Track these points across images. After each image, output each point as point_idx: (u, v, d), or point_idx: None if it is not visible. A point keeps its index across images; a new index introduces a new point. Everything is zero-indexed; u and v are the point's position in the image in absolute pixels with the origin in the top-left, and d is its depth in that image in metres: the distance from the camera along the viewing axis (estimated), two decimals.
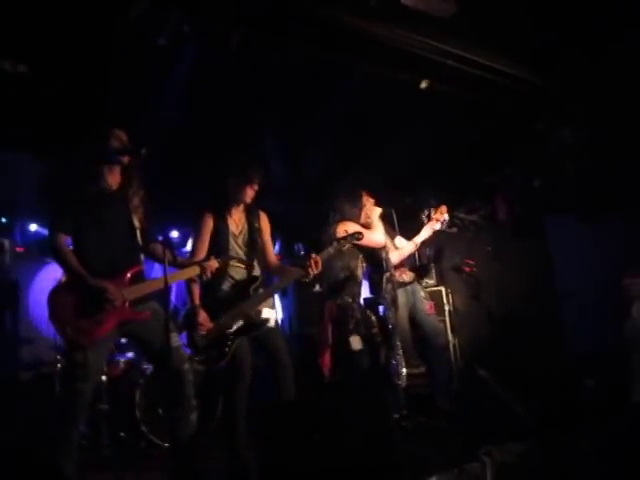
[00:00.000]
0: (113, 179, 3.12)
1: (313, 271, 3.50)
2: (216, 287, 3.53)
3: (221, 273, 3.45)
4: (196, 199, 4.06)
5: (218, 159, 3.98)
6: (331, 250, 3.73)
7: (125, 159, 3.08)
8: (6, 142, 4.67)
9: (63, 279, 3.54)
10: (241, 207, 3.68)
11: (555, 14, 4.07)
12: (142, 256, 3.20)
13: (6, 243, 5.36)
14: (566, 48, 4.39)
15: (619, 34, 4.23)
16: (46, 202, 3.08)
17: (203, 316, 3.39)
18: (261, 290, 3.59)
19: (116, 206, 3.09)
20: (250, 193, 3.62)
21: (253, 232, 3.67)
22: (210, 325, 3.40)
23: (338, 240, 3.80)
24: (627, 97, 4.63)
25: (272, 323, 3.59)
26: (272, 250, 3.82)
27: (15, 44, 3.59)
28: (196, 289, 3.50)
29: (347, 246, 3.91)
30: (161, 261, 2.97)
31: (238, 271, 3.58)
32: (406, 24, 3.92)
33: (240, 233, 3.67)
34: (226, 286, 3.55)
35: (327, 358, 4.30)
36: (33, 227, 5.77)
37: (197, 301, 3.48)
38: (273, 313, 3.63)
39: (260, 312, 3.54)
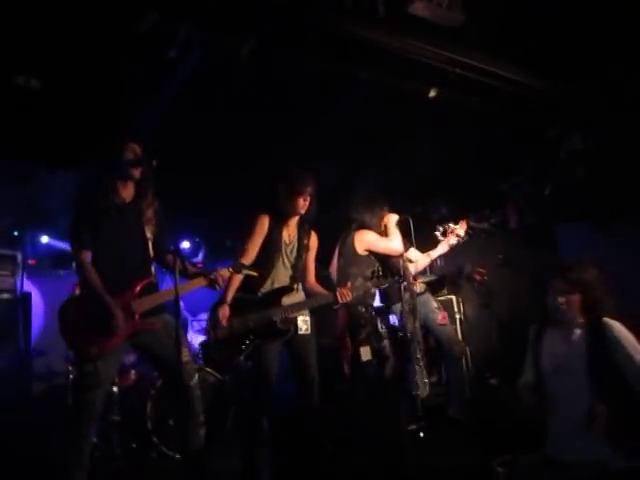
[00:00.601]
0: (126, 192, 3.16)
1: (343, 301, 3.58)
2: (253, 289, 3.57)
3: (266, 278, 3.56)
4: (243, 202, 4.07)
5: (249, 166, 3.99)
6: (369, 285, 3.76)
7: (137, 173, 3.11)
8: (21, 155, 4.72)
9: (76, 292, 3.58)
10: (296, 219, 3.71)
11: (566, 21, 4.07)
12: (153, 268, 3.22)
13: (18, 255, 5.39)
14: (576, 54, 4.38)
15: (630, 40, 4.22)
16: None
17: (223, 313, 3.44)
18: (293, 302, 3.61)
19: (129, 219, 3.13)
20: (302, 204, 3.63)
21: (301, 247, 3.72)
22: (227, 321, 3.44)
23: (379, 278, 3.80)
24: (638, 103, 4.61)
25: (306, 332, 3.62)
26: (313, 270, 3.86)
27: (28, 60, 3.64)
28: (234, 285, 3.53)
29: (385, 285, 3.94)
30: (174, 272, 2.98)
31: (281, 280, 3.63)
32: (414, 33, 3.93)
33: (290, 243, 3.71)
34: (263, 291, 3.59)
35: (346, 366, 4.31)
36: (44, 239, 5.79)
37: (228, 298, 3.51)
38: (308, 322, 3.66)
39: (293, 320, 3.57)
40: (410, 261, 4.75)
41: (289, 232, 3.71)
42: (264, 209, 3.67)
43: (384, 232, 4.55)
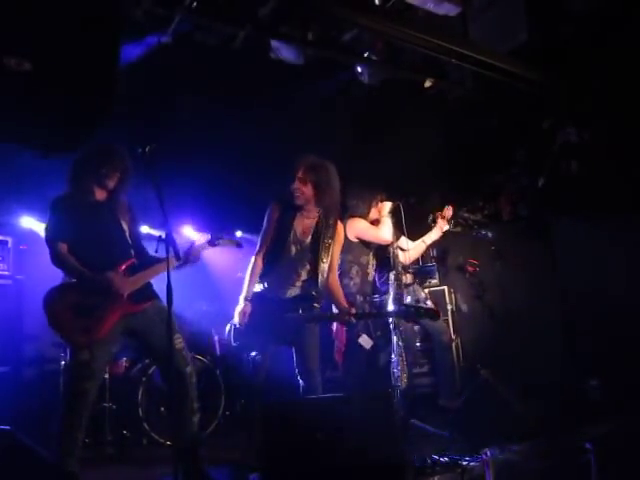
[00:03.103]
0: (100, 194, 3.25)
1: (348, 322, 3.44)
2: (270, 284, 3.44)
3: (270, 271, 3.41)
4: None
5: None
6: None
7: (112, 184, 3.21)
8: (12, 139, 4.67)
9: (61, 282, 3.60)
10: (314, 211, 3.46)
11: (561, 14, 4.06)
12: (132, 251, 3.26)
13: (9, 240, 5.36)
14: (572, 47, 4.38)
15: (626, 35, 4.22)
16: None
17: (243, 313, 3.32)
18: (305, 314, 3.37)
19: (105, 213, 3.23)
20: (294, 190, 3.38)
21: (319, 243, 3.42)
22: (245, 321, 3.31)
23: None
24: (632, 96, 4.61)
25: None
26: (335, 268, 3.56)
27: (20, 42, 3.59)
28: (254, 277, 3.40)
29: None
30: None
31: (284, 273, 3.40)
32: (410, 22, 3.92)
33: (304, 236, 3.45)
34: (266, 285, 3.43)
35: (340, 355, 4.30)
36: (27, 222, 5.61)
37: (249, 293, 3.38)
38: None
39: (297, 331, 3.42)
40: (402, 249, 4.74)
41: (303, 225, 3.45)
42: (276, 198, 3.49)
43: (376, 221, 4.54)
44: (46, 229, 3.18)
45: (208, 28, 3.57)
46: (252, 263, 3.44)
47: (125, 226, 3.27)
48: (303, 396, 3.31)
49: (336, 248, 3.51)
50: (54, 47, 3.62)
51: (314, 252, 3.41)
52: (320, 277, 3.40)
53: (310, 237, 3.44)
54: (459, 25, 4.02)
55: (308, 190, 3.39)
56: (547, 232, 5.60)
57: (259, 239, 3.51)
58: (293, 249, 3.42)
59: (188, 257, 3.19)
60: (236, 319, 3.32)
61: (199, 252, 3.24)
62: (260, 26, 3.62)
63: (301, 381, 3.36)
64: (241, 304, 3.34)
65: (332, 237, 3.47)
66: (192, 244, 3.23)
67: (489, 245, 5.72)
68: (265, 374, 3.38)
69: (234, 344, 3.35)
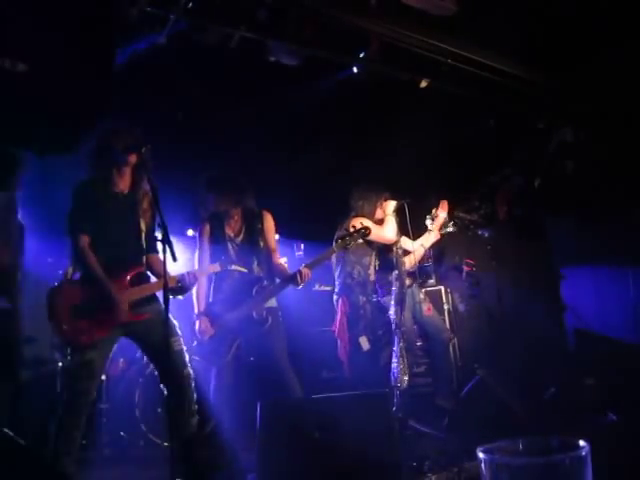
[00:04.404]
0: (123, 183, 3.15)
1: (301, 282, 3.57)
2: (220, 288, 3.64)
3: (223, 275, 3.59)
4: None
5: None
6: (335, 249, 3.78)
7: (132, 158, 3.05)
8: (9, 139, 4.65)
9: (66, 277, 3.57)
10: (236, 211, 3.74)
11: (557, 14, 4.07)
12: (144, 259, 3.21)
13: None
14: (567, 47, 4.39)
15: (620, 35, 4.23)
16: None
17: (204, 325, 3.53)
18: (263, 291, 3.63)
19: (124, 210, 3.13)
20: (213, 203, 3.70)
21: (253, 234, 3.73)
22: (211, 332, 3.53)
23: (342, 237, 3.82)
24: (627, 97, 4.63)
25: (271, 322, 3.62)
26: (276, 250, 3.84)
27: (14, 42, 3.58)
28: (202, 293, 3.61)
29: (352, 244, 3.91)
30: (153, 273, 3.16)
31: (242, 273, 3.63)
32: (406, 23, 3.92)
33: (238, 235, 3.73)
34: (229, 286, 3.63)
35: (344, 354, 4.31)
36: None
37: (201, 307, 3.59)
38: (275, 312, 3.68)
39: (262, 311, 3.59)
40: (407, 252, 4.72)
41: (232, 226, 3.76)
42: (203, 218, 3.78)
43: (381, 220, 4.53)
44: (69, 218, 3.06)
45: (204, 28, 3.56)
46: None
47: (143, 225, 3.18)
48: (267, 382, 3.52)
49: (269, 235, 3.81)
50: (50, 47, 3.62)
51: (251, 243, 3.72)
52: (264, 263, 3.71)
53: (243, 233, 3.75)
54: (455, 25, 4.01)
55: (216, 199, 3.71)
56: (543, 232, 5.61)
57: (197, 258, 3.74)
58: (232, 249, 3.71)
59: (184, 284, 3.15)
60: (202, 335, 3.54)
61: (195, 279, 3.21)
62: (255, 27, 3.62)
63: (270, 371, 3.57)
64: (198, 322, 3.56)
65: (261, 224, 3.78)
66: (187, 272, 3.18)
67: (485, 245, 5.73)
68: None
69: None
